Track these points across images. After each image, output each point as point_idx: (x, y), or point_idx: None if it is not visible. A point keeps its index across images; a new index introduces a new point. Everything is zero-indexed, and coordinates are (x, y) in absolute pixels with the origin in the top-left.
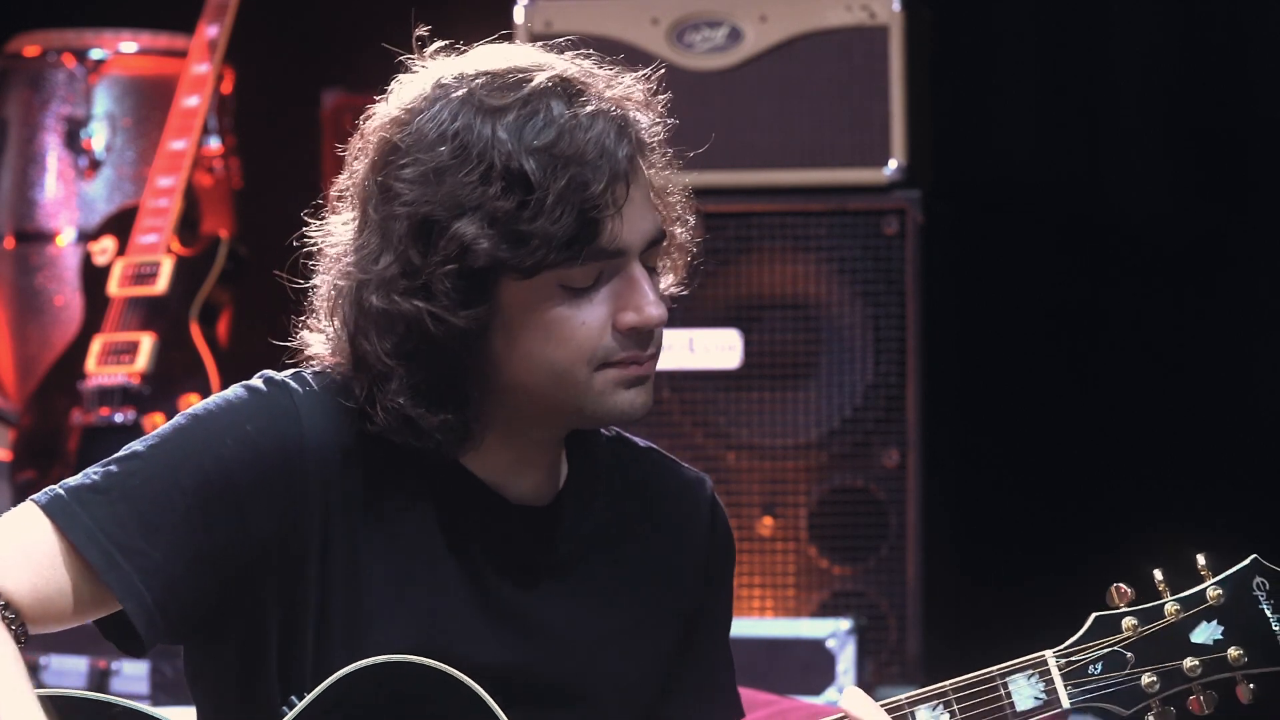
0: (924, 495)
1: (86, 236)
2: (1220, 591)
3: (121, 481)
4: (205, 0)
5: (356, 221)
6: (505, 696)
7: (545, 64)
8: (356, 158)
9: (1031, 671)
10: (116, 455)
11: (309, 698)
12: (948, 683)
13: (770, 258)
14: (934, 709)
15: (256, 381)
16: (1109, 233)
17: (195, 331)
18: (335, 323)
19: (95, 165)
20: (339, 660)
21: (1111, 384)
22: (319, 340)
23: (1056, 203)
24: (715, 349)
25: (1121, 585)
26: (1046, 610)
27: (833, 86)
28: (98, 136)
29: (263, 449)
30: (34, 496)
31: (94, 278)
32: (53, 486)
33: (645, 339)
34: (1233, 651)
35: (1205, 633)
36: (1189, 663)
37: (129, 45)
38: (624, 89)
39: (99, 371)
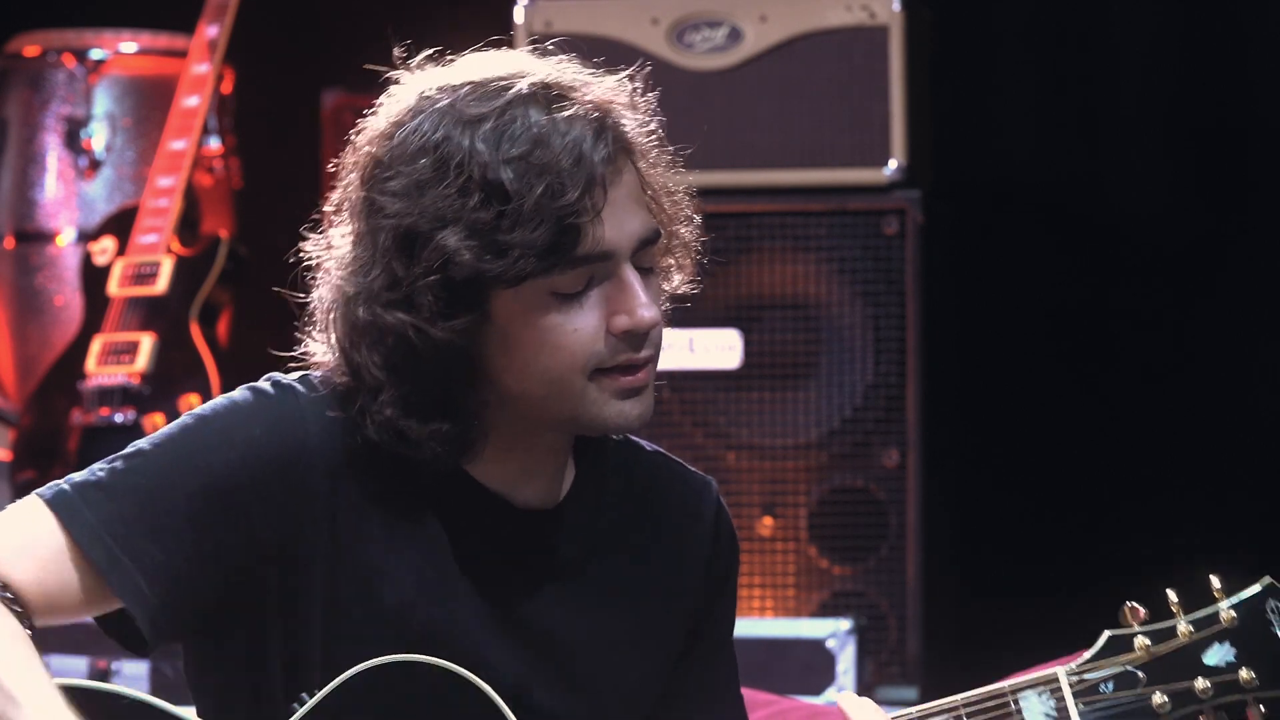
0: (924, 495)
1: (86, 236)
2: (1234, 614)
3: (126, 480)
4: (205, 0)
5: (349, 235)
6: (512, 698)
7: (527, 70)
8: (349, 170)
9: (1043, 688)
10: (122, 453)
11: (319, 695)
12: (958, 697)
13: (770, 258)
14: None
15: (263, 384)
16: (1109, 233)
17: (195, 331)
18: (330, 335)
19: (95, 165)
20: (348, 661)
21: (1111, 384)
22: (321, 349)
23: (1056, 203)
24: (715, 349)
25: (1135, 605)
26: (1046, 610)
27: (833, 86)
28: (98, 136)
29: (267, 452)
30: (39, 490)
31: (94, 278)
32: (57, 481)
33: (640, 341)
34: (1245, 674)
35: (1218, 654)
36: (1201, 684)
37: (129, 45)
38: (607, 90)
39: (99, 371)
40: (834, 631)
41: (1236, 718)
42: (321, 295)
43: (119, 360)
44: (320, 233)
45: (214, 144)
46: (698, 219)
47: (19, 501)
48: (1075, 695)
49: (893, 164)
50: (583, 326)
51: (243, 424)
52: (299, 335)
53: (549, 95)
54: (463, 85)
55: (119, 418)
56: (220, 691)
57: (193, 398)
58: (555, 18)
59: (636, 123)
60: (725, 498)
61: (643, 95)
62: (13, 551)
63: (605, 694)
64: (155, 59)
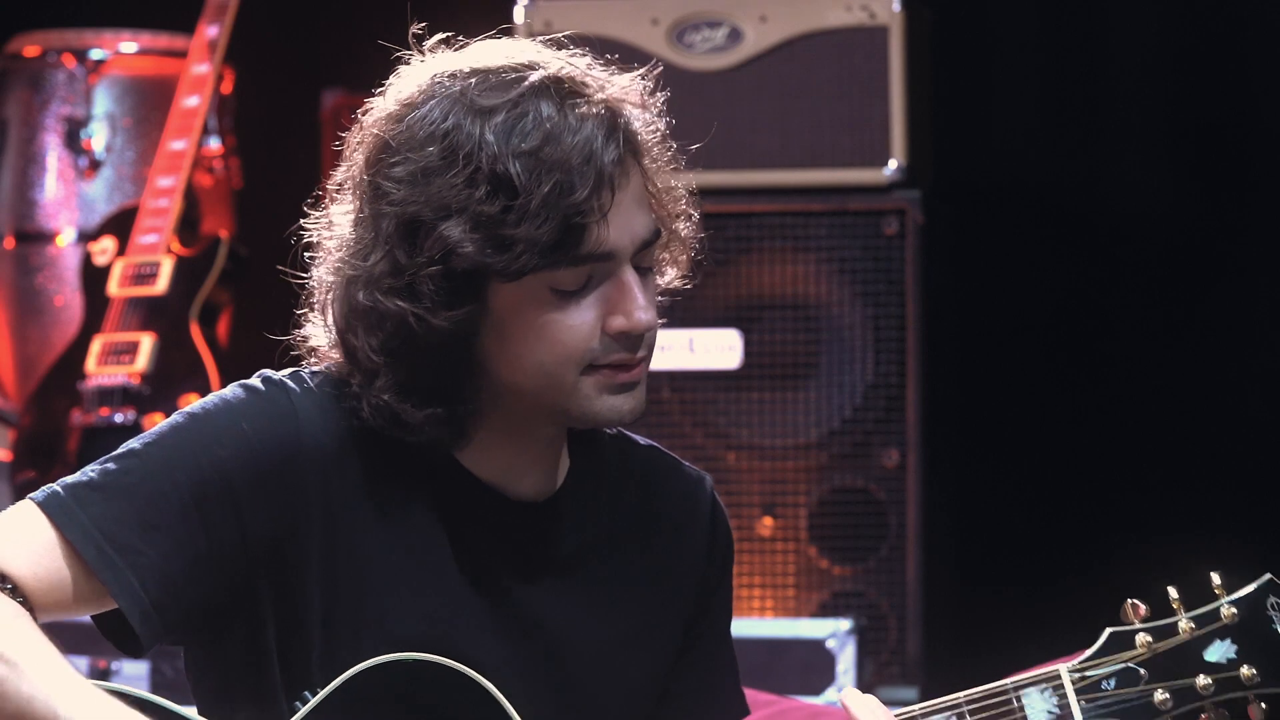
0: (924, 495)
1: (86, 236)
2: (1234, 610)
3: (118, 480)
4: (205, 0)
5: (351, 216)
6: (508, 693)
7: (540, 62)
8: (354, 150)
9: (1045, 686)
10: (114, 453)
11: (321, 695)
12: (961, 694)
13: (770, 258)
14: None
15: (254, 381)
16: (1109, 233)
17: (195, 331)
18: (327, 317)
19: (95, 165)
20: (347, 658)
21: (1111, 384)
22: (318, 332)
23: (1057, 203)
24: (715, 349)
25: (1136, 602)
26: (1046, 610)
27: (833, 87)
28: (98, 136)
29: (260, 449)
30: (32, 495)
31: (94, 278)
32: (50, 485)
33: (635, 343)
34: (1245, 670)
35: (1219, 651)
36: (1202, 680)
37: (129, 45)
38: (619, 88)
39: (99, 372)
40: (834, 631)
41: (1238, 714)
42: (320, 275)
43: (119, 360)
44: (320, 212)
45: (214, 144)
46: (695, 216)
47: (12, 507)
48: (1077, 692)
49: (893, 164)
50: (579, 324)
51: (235, 420)
52: (297, 322)
53: (561, 90)
54: (474, 73)
55: (119, 418)
56: (221, 691)
57: (193, 398)
58: (555, 18)
59: (645, 123)
60: (725, 498)
61: (651, 95)
62: (11, 550)
63: (600, 687)
64: (155, 59)
